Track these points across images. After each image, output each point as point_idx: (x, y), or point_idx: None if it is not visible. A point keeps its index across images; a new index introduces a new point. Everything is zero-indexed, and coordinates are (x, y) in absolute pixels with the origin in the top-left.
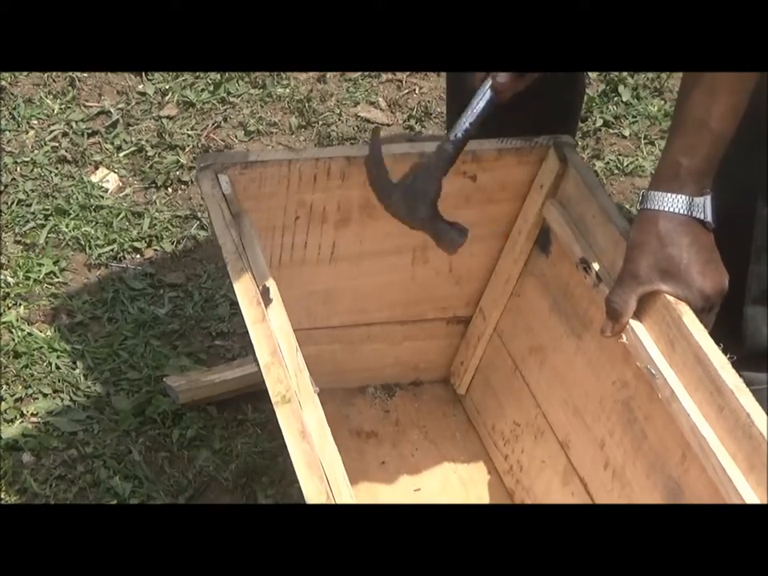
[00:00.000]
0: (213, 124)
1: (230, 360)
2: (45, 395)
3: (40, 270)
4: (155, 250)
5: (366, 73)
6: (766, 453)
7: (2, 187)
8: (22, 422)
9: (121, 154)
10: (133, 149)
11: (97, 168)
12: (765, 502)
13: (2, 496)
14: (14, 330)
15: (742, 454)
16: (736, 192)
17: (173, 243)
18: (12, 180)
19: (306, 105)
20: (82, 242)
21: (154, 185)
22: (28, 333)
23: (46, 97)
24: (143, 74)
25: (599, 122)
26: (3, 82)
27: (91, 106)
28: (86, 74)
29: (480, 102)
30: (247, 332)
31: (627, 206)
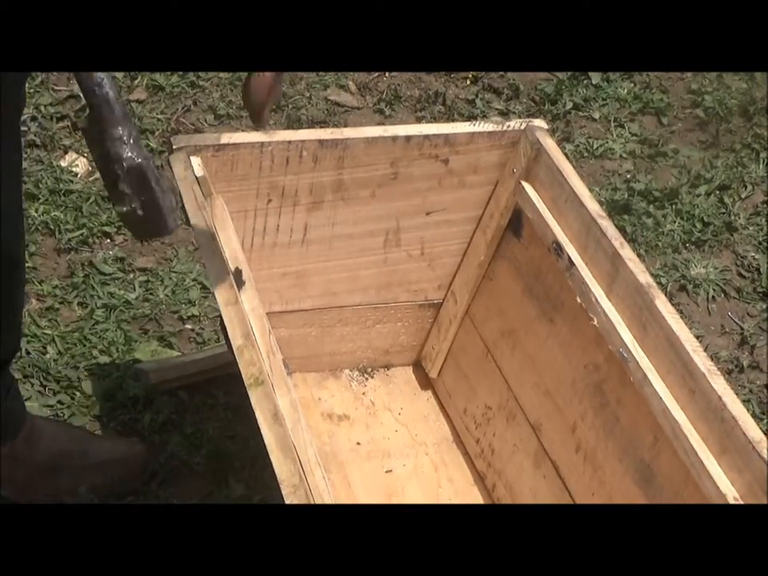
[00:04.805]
0: (182, 108)
1: (200, 344)
2: (15, 381)
3: None
4: (125, 234)
5: None
6: (737, 436)
7: None
8: None
9: None
10: None
11: (66, 152)
12: (736, 486)
13: None
14: None
15: (714, 437)
16: None
17: None
18: None
19: None
20: (52, 227)
21: None
22: None
23: None
24: None
25: (569, 105)
26: None
27: (60, 90)
28: None
29: None
30: (218, 316)
31: (597, 189)
